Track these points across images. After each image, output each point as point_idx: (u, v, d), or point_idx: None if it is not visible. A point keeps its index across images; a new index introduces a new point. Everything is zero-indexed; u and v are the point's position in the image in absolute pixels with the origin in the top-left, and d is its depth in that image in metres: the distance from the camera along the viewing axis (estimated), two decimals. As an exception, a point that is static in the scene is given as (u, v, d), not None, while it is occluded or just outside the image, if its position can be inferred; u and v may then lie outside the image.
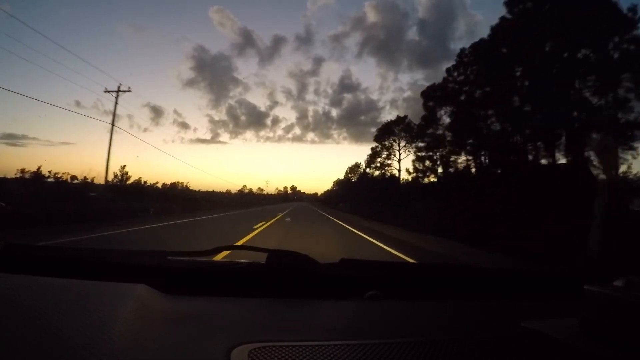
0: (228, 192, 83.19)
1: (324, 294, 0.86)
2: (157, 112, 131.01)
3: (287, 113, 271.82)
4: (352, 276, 0.94)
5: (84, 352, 0.47)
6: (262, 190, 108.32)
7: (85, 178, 22.15)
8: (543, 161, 16.15)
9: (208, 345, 0.55)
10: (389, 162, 35.47)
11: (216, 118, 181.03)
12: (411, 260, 5.99)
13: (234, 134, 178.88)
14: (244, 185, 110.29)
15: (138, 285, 0.75)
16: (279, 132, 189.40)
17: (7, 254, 0.96)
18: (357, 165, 50.02)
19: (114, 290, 0.73)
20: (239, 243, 7.23)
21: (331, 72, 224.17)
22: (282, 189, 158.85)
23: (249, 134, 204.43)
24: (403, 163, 35.35)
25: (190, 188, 45.96)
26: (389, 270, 1.05)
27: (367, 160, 36.99)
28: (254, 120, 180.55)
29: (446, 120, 23.05)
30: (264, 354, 0.52)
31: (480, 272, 1.08)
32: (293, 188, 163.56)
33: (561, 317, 0.62)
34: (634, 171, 14.60)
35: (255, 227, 11.11)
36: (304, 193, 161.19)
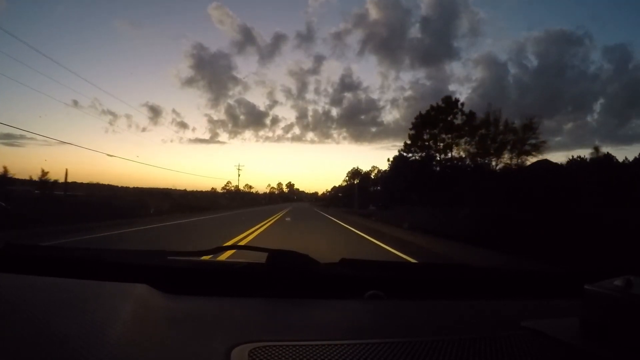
0: (213, 190, 79.83)
1: (324, 294, 0.86)
2: (155, 112, 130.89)
3: (286, 112, 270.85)
4: (352, 276, 0.94)
5: (84, 352, 0.47)
6: (250, 187, 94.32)
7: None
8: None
9: (208, 344, 0.55)
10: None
11: (215, 117, 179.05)
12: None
13: (233, 133, 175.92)
14: (228, 182, 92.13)
15: (138, 285, 0.75)
16: (279, 131, 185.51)
17: (7, 254, 0.96)
18: (440, 107, 21.90)
19: (114, 290, 0.73)
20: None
21: (332, 71, 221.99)
22: (275, 187, 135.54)
23: (248, 134, 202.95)
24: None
25: (176, 189, 45.71)
26: (390, 270, 1.05)
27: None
28: (253, 119, 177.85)
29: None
30: (264, 354, 0.52)
31: (479, 272, 1.08)
32: (290, 186, 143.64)
33: (561, 317, 0.63)
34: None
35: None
36: (303, 192, 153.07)
